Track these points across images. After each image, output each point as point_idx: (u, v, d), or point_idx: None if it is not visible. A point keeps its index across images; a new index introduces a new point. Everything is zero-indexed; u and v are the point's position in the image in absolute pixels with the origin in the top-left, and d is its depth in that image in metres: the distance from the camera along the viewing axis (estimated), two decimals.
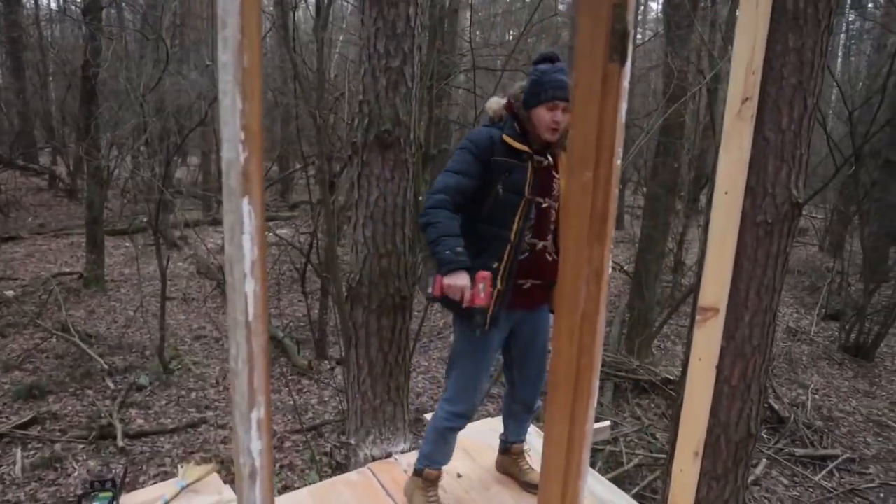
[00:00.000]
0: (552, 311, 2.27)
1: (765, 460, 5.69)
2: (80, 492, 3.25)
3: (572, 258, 1.25)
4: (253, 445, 0.86)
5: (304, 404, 6.23)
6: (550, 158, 2.19)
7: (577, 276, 1.26)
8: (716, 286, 1.79)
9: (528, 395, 2.40)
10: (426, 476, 2.37)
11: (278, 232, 10.71)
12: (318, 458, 4.99)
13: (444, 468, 2.42)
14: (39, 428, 5.55)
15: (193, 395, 6.35)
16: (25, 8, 17.18)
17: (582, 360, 1.31)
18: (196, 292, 9.28)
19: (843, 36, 17.86)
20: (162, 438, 5.56)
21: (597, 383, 1.35)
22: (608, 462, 5.33)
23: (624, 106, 1.15)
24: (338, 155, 4.80)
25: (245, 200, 0.78)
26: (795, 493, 5.41)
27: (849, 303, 9.04)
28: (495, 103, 2.24)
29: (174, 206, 8.08)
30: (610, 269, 1.28)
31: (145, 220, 10.19)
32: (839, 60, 16.46)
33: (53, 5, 22.65)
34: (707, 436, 1.95)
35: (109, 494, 3.07)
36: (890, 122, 7.66)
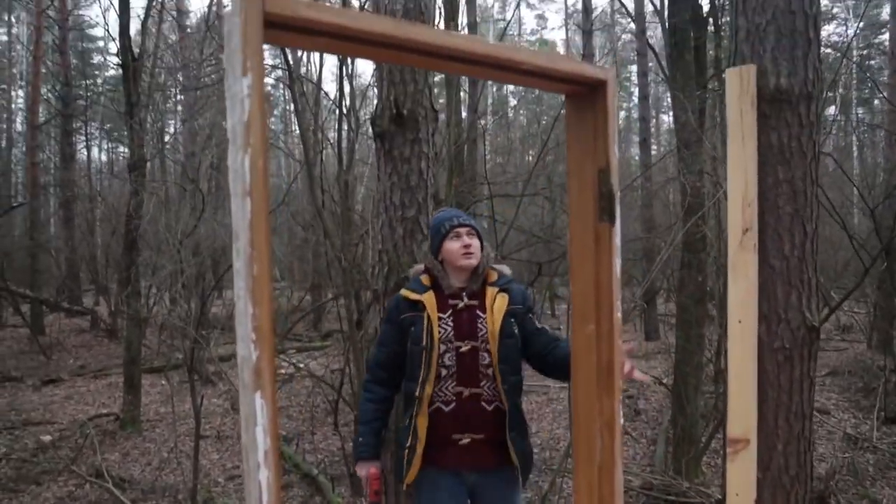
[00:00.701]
0: (523, 475, 2.12)
1: None
2: None
3: (583, 411, 1.27)
4: None
5: None
6: (467, 298, 2.12)
7: (590, 429, 1.27)
8: (743, 416, 1.76)
9: None
10: None
11: (311, 364, 10.76)
12: None
13: None
14: None
15: None
16: (78, 162, 18.67)
17: None
18: (230, 429, 9.23)
19: (854, 133, 18.19)
20: None
21: None
22: None
23: (618, 262, 1.22)
24: (364, 289, 4.95)
25: (258, 395, 0.83)
26: None
27: None
28: (415, 268, 2.30)
29: (209, 341, 8.25)
30: (622, 420, 1.29)
31: (180, 357, 10.38)
32: (855, 157, 16.66)
33: (104, 157, 24.52)
34: None
35: None
36: None
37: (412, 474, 2.08)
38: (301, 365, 10.39)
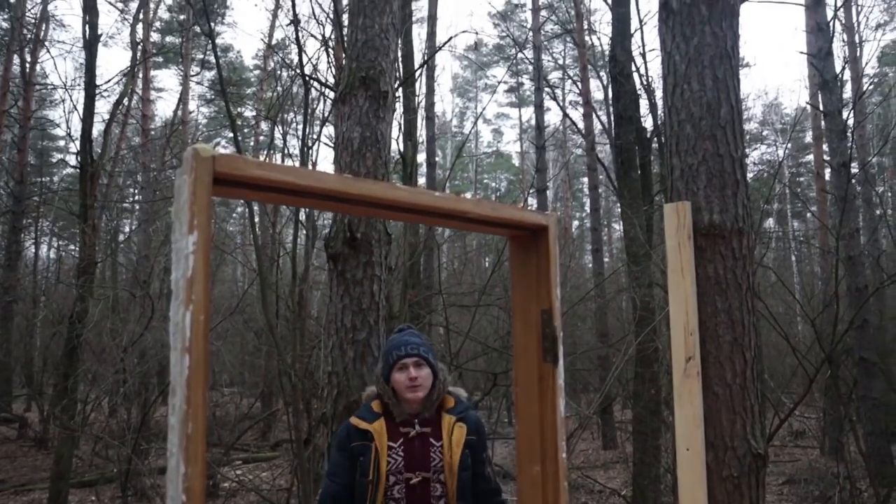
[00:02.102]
0: None
1: None
2: None
3: None
4: None
5: None
6: (420, 426, 2.07)
7: None
8: None
9: None
10: None
11: (259, 476, 10.18)
12: None
13: None
14: None
15: None
16: (24, 259, 18.11)
17: None
18: None
19: (792, 244, 19.22)
20: None
21: None
22: None
23: (561, 402, 1.23)
24: (315, 399, 4.81)
25: None
26: None
27: None
28: (367, 391, 2.26)
29: (148, 453, 7.77)
30: None
31: (115, 470, 9.70)
32: (794, 266, 17.51)
33: (52, 255, 23.87)
34: None
35: None
36: (852, 324, 7.93)
37: None
38: (247, 479, 9.81)
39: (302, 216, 6.19)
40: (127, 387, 6.33)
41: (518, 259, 1.23)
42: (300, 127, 7.14)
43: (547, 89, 15.86)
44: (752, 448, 1.75)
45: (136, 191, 17.09)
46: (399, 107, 8.27)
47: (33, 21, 16.77)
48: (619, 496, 9.30)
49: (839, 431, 11.07)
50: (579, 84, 16.82)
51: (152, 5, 18.58)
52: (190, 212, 0.83)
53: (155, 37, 20.83)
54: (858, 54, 14.04)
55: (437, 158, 13.49)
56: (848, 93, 11.82)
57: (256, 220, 6.95)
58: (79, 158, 8.49)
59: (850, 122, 9.54)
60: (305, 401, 4.49)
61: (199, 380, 0.80)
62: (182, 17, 20.13)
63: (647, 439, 5.56)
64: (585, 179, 22.14)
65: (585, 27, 15.66)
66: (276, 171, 0.91)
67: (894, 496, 8.53)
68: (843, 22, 14.22)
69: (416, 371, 2.07)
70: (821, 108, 9.82)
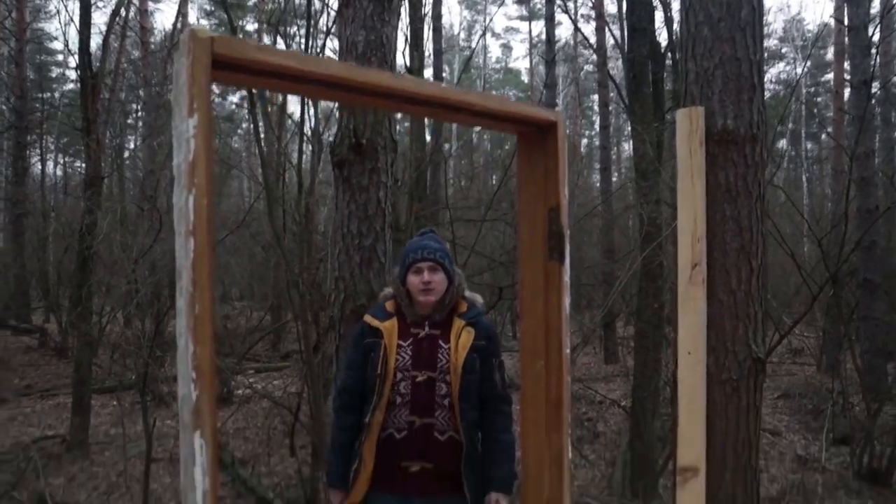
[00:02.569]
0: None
1: None
2: None
3: (532, 446, 1.28)
4: None
5: None
6: (430, 328, 2.12)
7: (538, 463, 1.28)
8: (692, 445, 1.80)
9: None
10: None
11: (270, 385, 10.55)
12: None
13: None
14: None
15: None
16: (31, 177, 18.12)
17: None
18: None
19: (803, 166, 18.92)
20: None
21: None
22: None
23: (567, 300, 1.24)
24: (323, 311, 4.91)
25: (197, 434, 0.82)
26: None
27: (855, 425, 8.80)
28: (384, 291, 2.30)
29: (164, 361, 8.04)
30: (570, 454, 1.30)
31: (133, 377, 10.09)
32: (804, 188, 17.32)
33: (59, 172, 23.83)
34: None
35: None
36: (858, 246, 7.92)
37: (356, 497, 2.07)
38: (258, 386, 10.19)
39: (307, 129, 6.10)
40: (139, 296, 6.46)
41: (525, 157, 1.21)
42: (303, 39, 6.92)
43: (559, 1, 15.20)
44: (753, 352, 1.79)
45: (139, 106, 16.82)
46: (405, 16, 7.98)
47: None
48: (618, 407, 9.63)
49: (837, 350, 11.30)
50: None
51: None
52: (189, 95, 0.81)
53: None
54: None
55: (444, 74, 13.14)
56: (876, 6, 11.27)
57: (262, 133, 6.86)
58: (78, 72, 8.30)
59: (876, 37, 9.14)
60: (313, 311, 4.60)
61: (204, 263, 0.80)
62: None
63: (649, 352, 5.70)
64: (596, 97, 21.60)
65: None
66: (276, 55, 0.87)
67: (885, 410, 8.80)
68: None
69: (430, 275, 2.10)
70: (845, 22, 9.41)
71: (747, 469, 1.81)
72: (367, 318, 2.15)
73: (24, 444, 8.73)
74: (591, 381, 11.26)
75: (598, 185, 17.45)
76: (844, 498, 7.69)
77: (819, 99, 24.46)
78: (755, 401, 1.83)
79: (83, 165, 10.92)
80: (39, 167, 19.97)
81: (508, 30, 34.67)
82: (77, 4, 8.19)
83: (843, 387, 9.38)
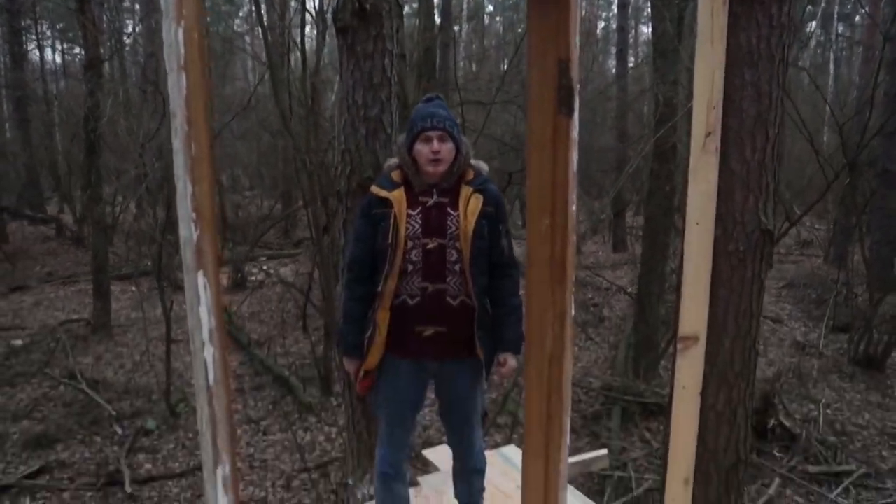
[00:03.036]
0: (487, 368, 2.18)
1: (778, 479, 5.62)
2: None
3: (536, 302, 1.30)
4: (220, 501, 0.89)
5: (310, 443, 6.22)
6: (438, 195, 2.11)
7: (542, 320, 1.30)
8: (694, 314, 1.82)
9: (457, 451, 2.33)
10: None
11: (282, 270, 10.78)
12: (324, 496, 4.98)
13: None
14: (48, 477, 5.56)
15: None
16: (31, 63, 17.65)
17: (552, 400, 1.35)
18: None
19: (831, 50, 18.02)
20: (170, 483, 5.56)
21: (568, 422, 1.38)
22: (617, 488, 5.28)
23: (574, 155, 1.21)
24: (332, 195, 4.90)
25: (200, 274, 0.83)
26: None
27: (856, 314, 8.96)
28: (388, 162, 2.27)
29: (178, 247, 8.21)
30: (573, 311, 1.32)
31: (149, 263, 10.34)
32: (830, 74, 16.59)
33: (59, 59, 23.20)
34: (697, 463, 1.96)
35: None
36: (881, 132, 7.69)
37: (371, 363, 2.13)
38: (271, 271, 10.43)
39: (310, 5, 5.81)
40: (148, 181, 6.47)
41: (537, 8, 1.14)
42: None
43: None
44: (762, 224, 1.77)
45: None
46: None
47: None
48: (624, 293, 9.82)
49: (846, 241, 11.29)
50: None
51: None
52: None
53: None
54: None
55: None
56: None
57: (264, 13, 6.56)
58: None
59: None
60: (322, 194, 4.58)
61: (199, 99, 0.77)
62: None
63: (658, 237, 5.71)
64: None
65: None
66: None
67: (887, 300, 8.92)
68: None
69: (439, 144, 2.05)
70: None
71: (747, 339, 1.84)
72: (375, 188, 2.13)
73: (51, 326, 9.12)
74: (599, 269, 11.41)
75: (613, 70, 16.80)
76: (837, 381, 7.98)
77: None
78: (760, 272, 1.83)
79: (82, 51, 10.58)
80: (38, 54, 19.40)
81: None
82: None
83: (848, 277, 9.46)
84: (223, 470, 0.90)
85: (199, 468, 5.78)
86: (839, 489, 5.53)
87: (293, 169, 6.99)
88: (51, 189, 16.36)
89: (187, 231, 0.81)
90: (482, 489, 2.37)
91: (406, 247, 2.04)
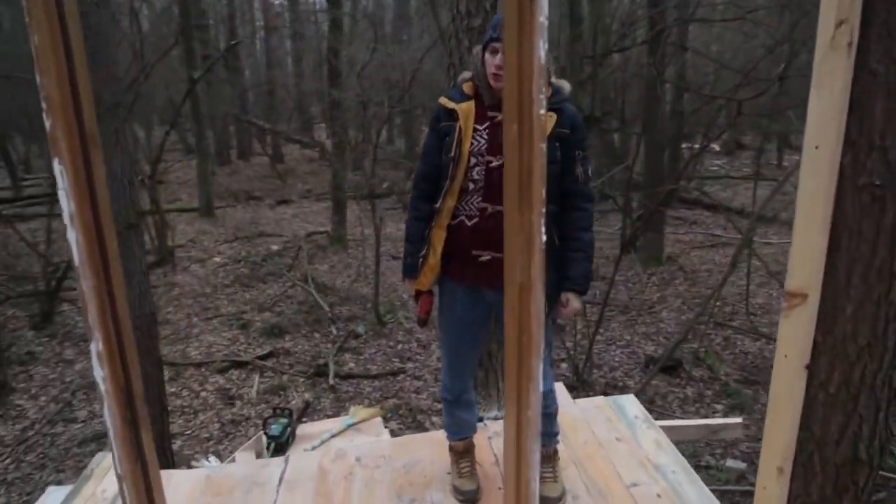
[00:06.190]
0: (550, 303, 1.97)
1: None
2: (266, 415, 3.84)
3: (509, 227, 1.13)
4: (95, 372, 0.96)
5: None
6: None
7: (512, 246, 1.13)
8: (805, 265, 1.43)
9: None
10: (452, 448, 2.36)
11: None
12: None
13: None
14: (275, 360, 6.60)
15: (400, 346, 6.94)
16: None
17: (522, 340, 1.17)
18: None
19: None
20: (365, 382, 6.21)
21: (539, 365, 1.20)
22: None
23: (542, 44, 0.99)
24: None
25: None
26: None
27: None
28: (463, 73, 2.10)
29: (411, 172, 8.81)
30: (545, 236, 1.11)
31: (385, 185, 11.33)
32: None
33: None
34: (798, 451, 1.59)
35: (285, 421, 3.62)
36: None
37: (423, 283, 2.07)
38: None
39: None
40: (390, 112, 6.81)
41: None
42: None
43: None
44: None
45: None
46: None
47: None
48: None
49: None
50: None
51: None
52: None
53: None
54: None
55: None
56: None
57: None
58: None
59: None
60: None
61: None
62: None
63: None
64: None
65: None
66: None
67: None
68: None
69: (504, 59, 1.86)
70: None
71: (880, 305, 1.38)
72: (443, 100, 2.00)
73: (300, 236, 10.61)
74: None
75: None
76: None
77: None
78: None
79: None
80: None
81: None
82: None
83: None
84: (96, 346, 0.96)
85: (392, 373, 6.37)
86: None
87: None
88: (319, 119, 18.69)
89: None
90: (553, 433, 2.22)
91: (468, 163, 1.92)
